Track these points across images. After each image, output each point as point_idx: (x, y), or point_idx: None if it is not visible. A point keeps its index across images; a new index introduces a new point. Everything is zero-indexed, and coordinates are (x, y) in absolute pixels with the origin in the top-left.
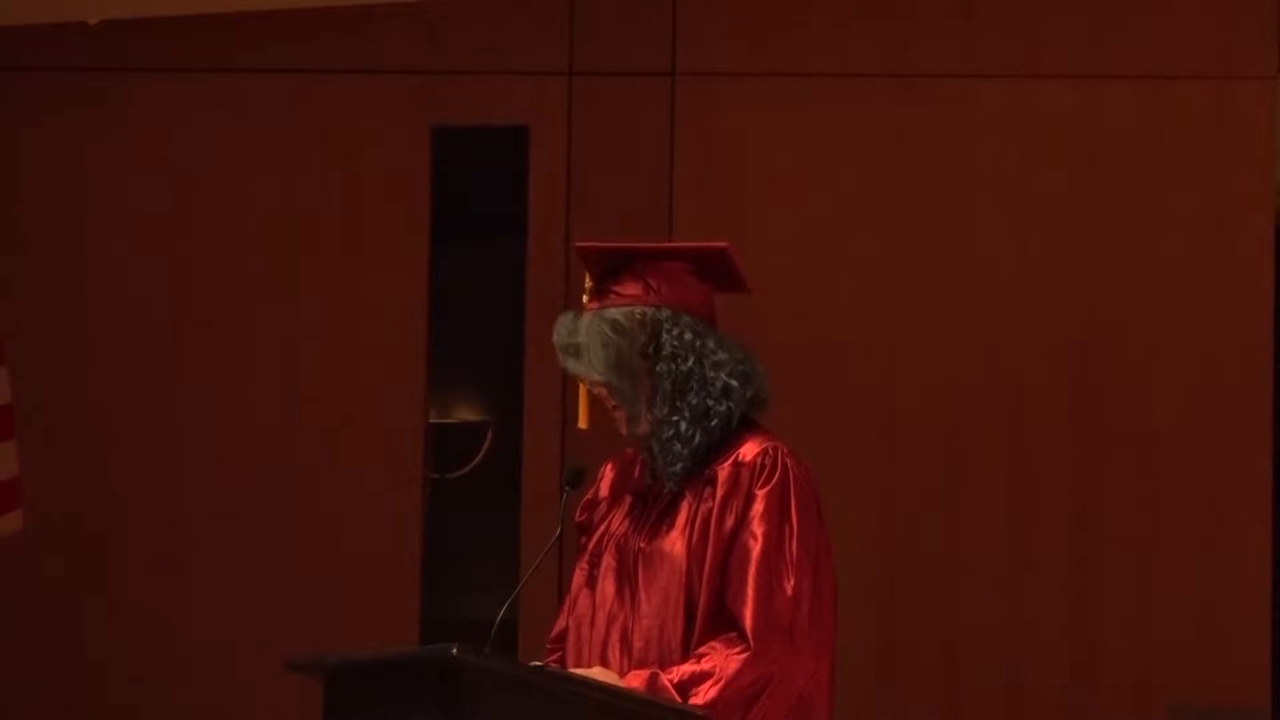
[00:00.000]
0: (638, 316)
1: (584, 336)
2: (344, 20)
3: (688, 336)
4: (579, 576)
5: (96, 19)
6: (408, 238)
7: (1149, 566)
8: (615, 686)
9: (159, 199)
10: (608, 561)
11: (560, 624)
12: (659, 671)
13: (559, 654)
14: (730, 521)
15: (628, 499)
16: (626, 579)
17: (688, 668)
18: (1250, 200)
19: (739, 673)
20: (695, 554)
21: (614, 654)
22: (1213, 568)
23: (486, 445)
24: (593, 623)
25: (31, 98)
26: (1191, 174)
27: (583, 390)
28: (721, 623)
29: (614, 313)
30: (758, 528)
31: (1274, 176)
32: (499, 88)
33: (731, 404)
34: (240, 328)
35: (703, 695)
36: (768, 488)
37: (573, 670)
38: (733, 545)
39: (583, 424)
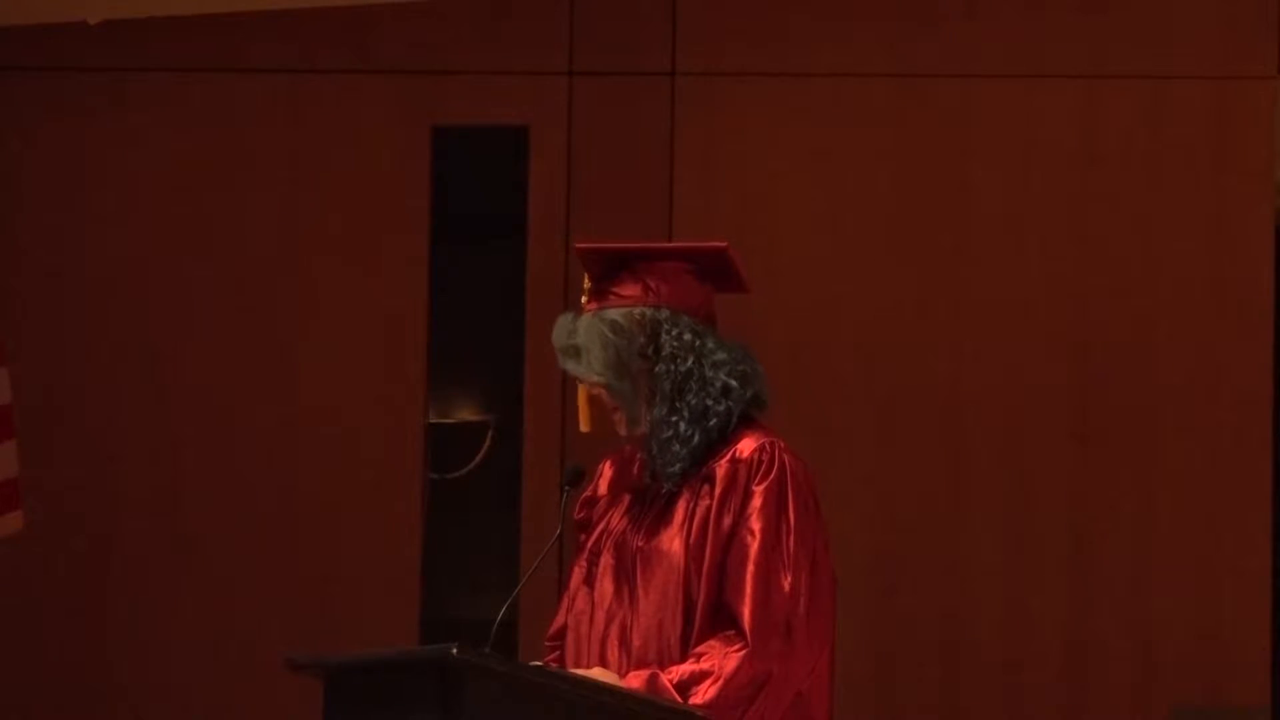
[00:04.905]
0: (636, 317)
1: (583, 338)
2: (344, 20)
3: (687, 337)
4: (577, 574)
5: (96, 19)
6: (408, 238)
7: (1149, 566)
8: (615, 687)
9: (159, 199)
10: (606, 559)
11: (559, 621)
12: (659, 672)
13: (558, 651)
14: (728, 519)
15: (626, 497)
16: (625, 577)
17: (687, 667)
18: (1250, 200)
19: (737, 670)
20: (693, 552)
21: (613, 652)
22: (1213, 568)
23: (486, 445)
24: (591, 621)
25: (31, 98)
26: (1191, 174)
27: (582, 393)
28: (720, 620)
29: (613, 313)
30: (755, 524)
31: (1274, 176)
32: (499, 88)
33: (730, 403)
34: (240, 328)
35: (702, 694)
36: (765, 484)
37: (573, 670)
38: (730, 542)
39: (585, 427)
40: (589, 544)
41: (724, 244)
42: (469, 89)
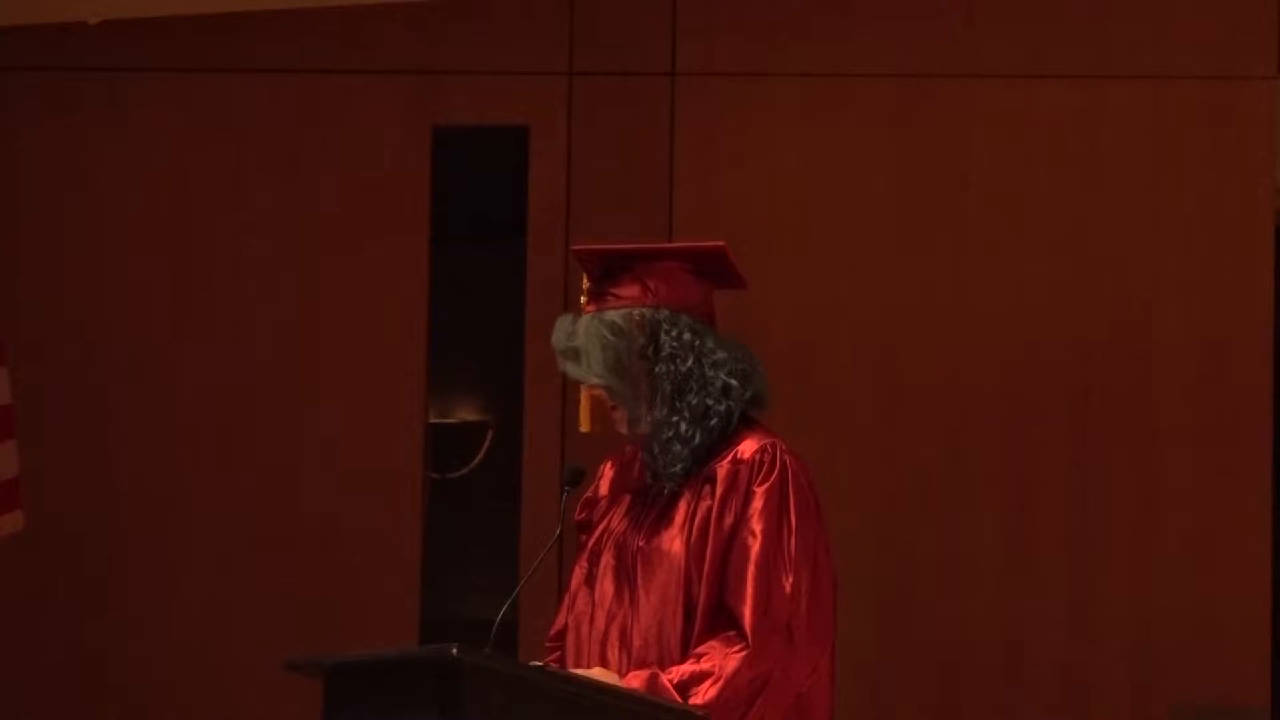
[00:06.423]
0: (636, 318)
1: (582, 339)
2: (344, 20)
3: (686, 336)
4: (578, 575)
5: (96, 19)
6: (408, 238)
7: (1149, 566)
8: (615, 687)
9: (159, 198)
10: (606, 560)
11: (560, 622)
12: (659, 671)
13: (558, 652)
14: (729, 519)
15: (627, 497)
16: (625, 577)
17: (687, 667)
18: (1250, 200)
19: (738, 671)
20: (694, 552)
21: (613, 652)
22: (1213, 568)
23: (486, 445)
24: (592, 621)
25: (31, 98)
26: (1191, 174)
27: (584, 393)
28: (721, 621)
29: (612, 315)
30: (756, 525)
31: (1274, 176)
32: (499, 88)
33: (731, 403)
34: (240, 328)
35: (702, 695)
36: (766, 485)
37: (573, 670)
38: (732, 543)
39: (585, 427)
40: (589, 544)
41: (721, 243)
42: (469, 89)
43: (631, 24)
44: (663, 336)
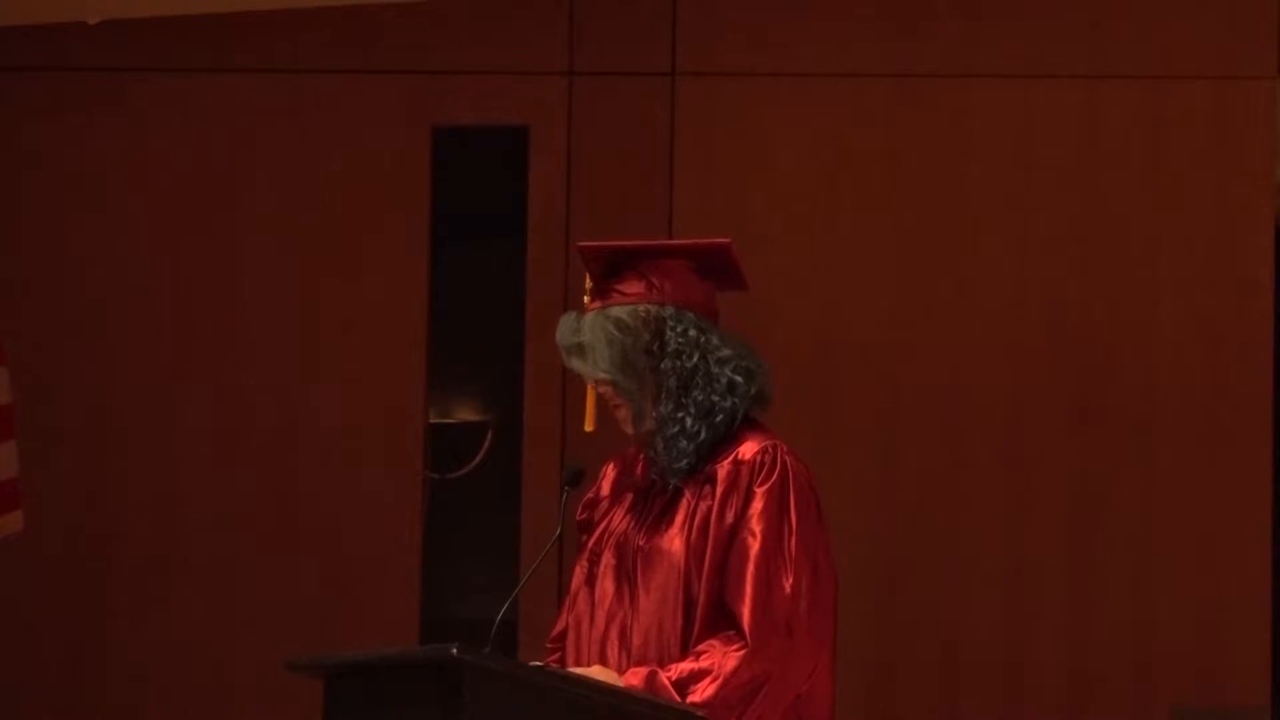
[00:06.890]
0: (642, 314)
1: (588, 335)
2: (344, 20)
3: (692, 333)
4: (579, 575)
5: (96, 19)
6: (408, 238)
7: (1149, 566)
8: (614, 686)
9: (159, 199)
10: (607, 559)
11: (561, 624)
12: (658, 669)
13: (558, 654)
14: (729, 519)
15: (628, 497)
16: (625, 577)
17: (686, 665)
18: (1250, 200)
19: (737, 670)
20: (694, 551)
21: (613, 651)
22: (1213, 568)
23: (486, 445)
24: (592, 620)
25: (31, 98)
26: (1191, 174)
27: (590, 393)
28: (720, 620)
29: (618, 311)
30: (757, 525)
31: (1274, 176)
32: (499, 88)
33: (736, 400)
34: (239, 328)
35: (701, 693)
36: (767, 485)
37: (572, 669)
38: (732, 543)
39: (589, 426)
40: (590, 544)
41: (726, 240)
42: (469, 89)
43: (631, 24)
44: (668, 333)
